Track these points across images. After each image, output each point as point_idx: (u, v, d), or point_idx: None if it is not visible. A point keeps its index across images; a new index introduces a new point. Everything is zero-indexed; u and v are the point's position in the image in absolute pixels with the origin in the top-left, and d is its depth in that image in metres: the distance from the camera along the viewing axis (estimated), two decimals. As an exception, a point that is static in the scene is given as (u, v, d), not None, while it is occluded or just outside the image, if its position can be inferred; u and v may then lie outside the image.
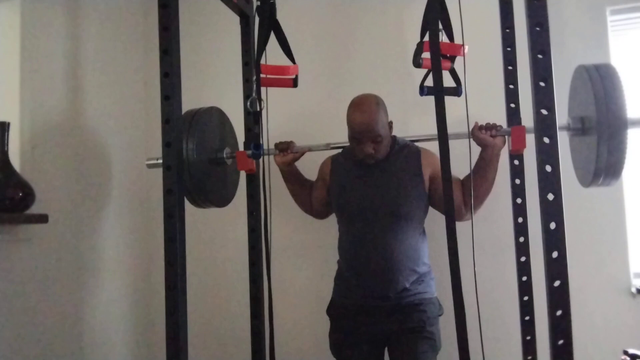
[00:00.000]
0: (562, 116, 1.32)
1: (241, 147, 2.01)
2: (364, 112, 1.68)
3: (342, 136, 1.85)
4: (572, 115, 1.66)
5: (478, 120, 1.66)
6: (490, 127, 1.63)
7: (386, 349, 1.78)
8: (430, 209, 1.80)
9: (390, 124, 1.76)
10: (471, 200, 1.58)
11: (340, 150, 1.90)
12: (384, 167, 1.76)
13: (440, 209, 1.76)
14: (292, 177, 1.90)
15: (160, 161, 1.54)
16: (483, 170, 1.65)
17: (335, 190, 1.83)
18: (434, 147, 1.73)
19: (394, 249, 1.69)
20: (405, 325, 1.69)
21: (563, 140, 1.26)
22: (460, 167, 1.52)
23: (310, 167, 1.95)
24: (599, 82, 1.48)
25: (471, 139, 1.56)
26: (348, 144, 1.82)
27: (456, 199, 1.66)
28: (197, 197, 1.80)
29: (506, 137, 1.71)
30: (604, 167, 1.49)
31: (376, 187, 1.74)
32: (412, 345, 1.67)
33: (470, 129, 1.59)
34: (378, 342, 1.76)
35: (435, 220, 1.78)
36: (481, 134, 1.62)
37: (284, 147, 1.83)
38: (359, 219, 1.74)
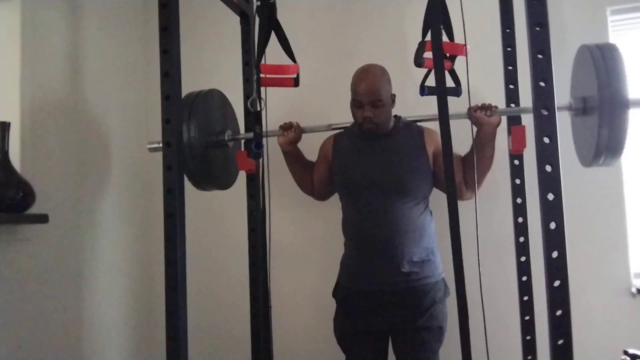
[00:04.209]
0: (561, 116, 1.32)
1: (242, 131, 2.03)
2: (368, 76, 1.72)
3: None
4: (574, 95, 1.66)
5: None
6: (485, 108, 1.64)
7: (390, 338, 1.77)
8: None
9: (393, 96, 1.77)
10: (475, 184, 1.57)
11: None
12: (387, 143, 1.77)
13: (444, 188, 1.76)
14: (295, 159, 1.91)
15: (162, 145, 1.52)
16: (480, 148, 1.66)
17: (338, 165, 1.84)
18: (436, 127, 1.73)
19: (399, 221, 1.69)
20: (411, 318, 1.68)
21: (563, 140, 1.26)
22: (458, 148, 1.55)
23: (312, 150, 1.96)
24: (601, 61, 1.48)
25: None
26: (349, 124, 1.83)
27: (456, 176, 1.67)
28: (199, 179, 1.80)
29: (508, 138, 1.72)
30: (605, 146, 1.48)
31: (380, 161, 1.75)
32: (418, 341, 1.68)
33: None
34: (383, 334, 1.76)
35: (440, 204, 1.77)
36: (477, 113, 1.64)
37: (287, 127, 1.84)
38: (364, 193, 1.74)
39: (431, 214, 1.80)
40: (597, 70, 1.47)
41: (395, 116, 1.82)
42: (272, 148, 1.92)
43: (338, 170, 1.83)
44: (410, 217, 1.70)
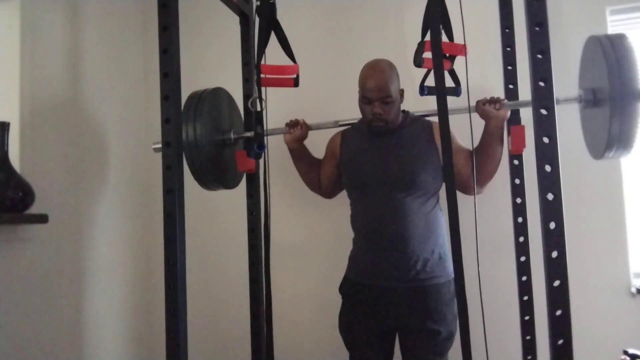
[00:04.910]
0: (562, 112, 1.32)
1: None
2: (376, 71, 1.70)
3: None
4: (583, 87, 1.63)
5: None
6: (493, 101, 1.64)
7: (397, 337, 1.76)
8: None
9: (401, 91, 1.76)
10: (482, 179, 1.59)
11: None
12: (396, 138, 1.76)
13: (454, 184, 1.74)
14: (301, 156, 1.90)
15: None
16: (489, 143, 1.66)
17: (346, 162, 1.82)
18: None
19: (409, 216, 1.67)
20: (420, 319, 1.66)
21: (563, 139, 1.26)
22: (466, 144, 1.53)
23: (319, 147, 1.95)
24: (612, 52, 1.45)
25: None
26: (356, 121, 1.82)
27: (467, 171, 1.69)
28: (206, 178, 1.79)
29: (507, 138, 1.72)
30: (617, 138, 1.46)
31: (389, 156, 1.73)
32: (426, 344, 1.66)
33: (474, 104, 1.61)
34: (390, 333, 1.74)
35: (445, 202, 1.77)
36: (485, 106, 1.63)
37: (293, 124, 1.83)
38: (373, 189, 1.73)
39: (442, 210, 1.77)
40: (607, 60, 1.44)
41: (404, 111, 1.81)
42: (273, 147, 1.92)
43: (346, 166, 1.82)
44: (420, 212, 1.69)
